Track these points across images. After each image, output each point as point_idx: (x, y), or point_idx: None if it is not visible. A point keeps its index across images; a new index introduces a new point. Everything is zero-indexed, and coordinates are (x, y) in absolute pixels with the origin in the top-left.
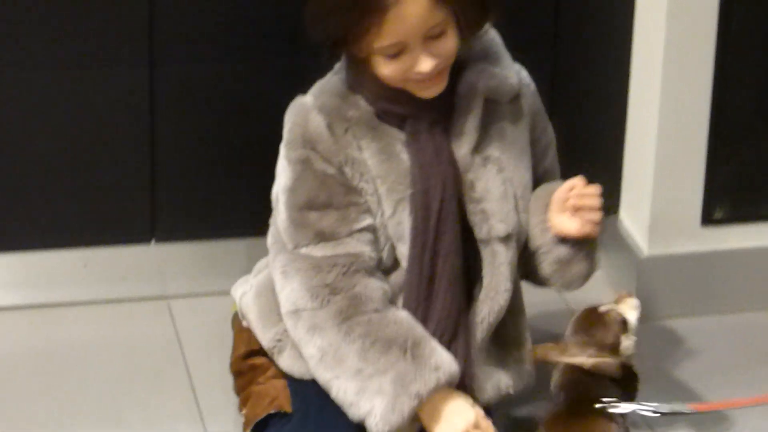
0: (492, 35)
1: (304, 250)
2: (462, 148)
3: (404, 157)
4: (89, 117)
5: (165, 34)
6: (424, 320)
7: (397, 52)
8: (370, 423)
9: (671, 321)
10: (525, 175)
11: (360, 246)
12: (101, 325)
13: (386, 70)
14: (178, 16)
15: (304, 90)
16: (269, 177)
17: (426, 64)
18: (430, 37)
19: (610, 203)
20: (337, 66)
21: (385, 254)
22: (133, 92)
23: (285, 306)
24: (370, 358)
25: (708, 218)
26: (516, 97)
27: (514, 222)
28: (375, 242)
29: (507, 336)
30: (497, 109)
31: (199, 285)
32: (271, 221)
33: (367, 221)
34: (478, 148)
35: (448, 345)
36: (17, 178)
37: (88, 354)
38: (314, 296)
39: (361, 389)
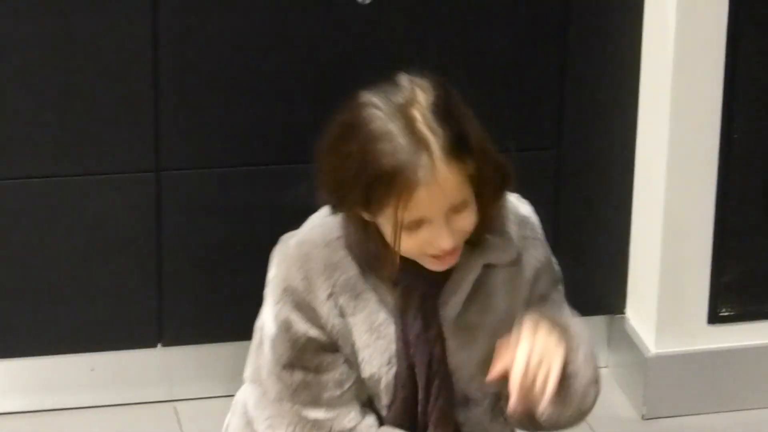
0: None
1: (288, 407)
2: (448, 317)
3: (386, 331)
4: (96, 223)
5: (171, 140)
6: None
7: (418, 224)
8: None
9: (680, 420)
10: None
11: (348, 406)
12: (108, 429)
13: (405, 241)
14: (184, 121)
15: (311, 197)
16: None
17: (447, 242)
18: (453, 212)
19: (617, 303)
20: (326, 210)
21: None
22: (139, 198)
23: None
24: None
25: (714, 316)
26: (516, 262)
27: (486, 389)
28: (359, 392)
29: None
30: (491, 273)
31: (206, 388)
32: (252, 349)
33: (350, 381)
34: (461, 313)
35: None
36: (24, 283)
37: None
38: None
39: None
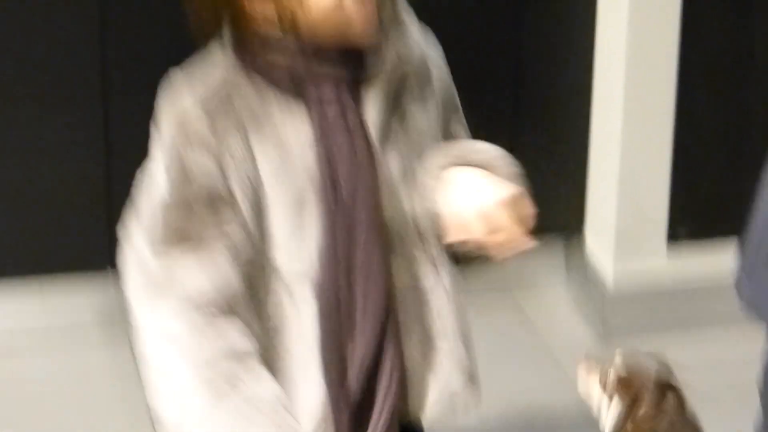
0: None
1: (160, 250)
2: (368, 116)
3: (300, 152)
4: (42, 151)
5: (118, 69)
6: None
7: None
8: None
9: (638, 339)
10: (432, 145)
11: (225, 258)
12: (57, 353)
13: None
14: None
15: None
16: None
17: None
18: None
19: (575, 223)
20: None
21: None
22: (88, 121)
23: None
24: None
25: (673, 236)
26: (423, 62)
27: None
28: (240, 255)
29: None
30: (401, 75)
31: None
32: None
33: (238, 228)
34: (382, 120)
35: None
36: None
37: (46, 383)
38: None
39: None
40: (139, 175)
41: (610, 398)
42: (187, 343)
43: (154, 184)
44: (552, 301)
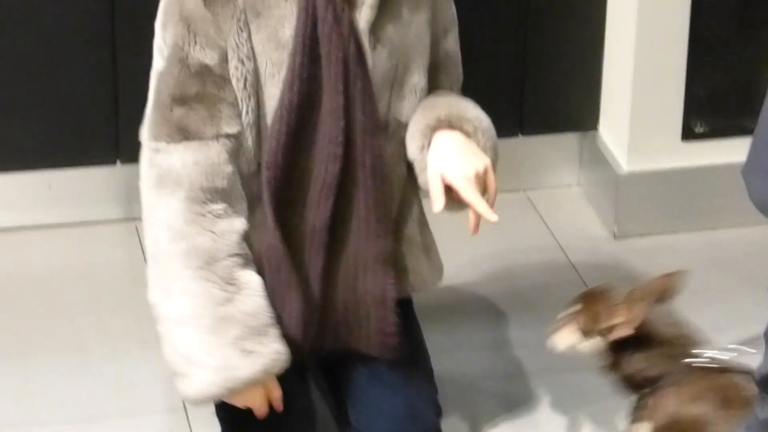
0: None
1: (163, 147)
2: (361, 21)
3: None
4: (50, 34)
5: None
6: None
7: None
8: (183, 387)
9: (651, 238)
10: (419, 60)
11: (223, 156)
12: (67, 248)
13: None
14: None
15: None
16: None
17: None
18: None
19: (589, 119)
20: None
21: (248, 153)
22: (93, 10)
23: (149, 213)
24: (204, 326)
25: (688, 133)
26: None
27: (389, 112)
28: (237, 155)
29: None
30: None
31: None
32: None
33: (235, 128)
34: (373, 24)
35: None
36: None
37: (54, 277)
38: (165, 232)
39: (186, 355)
40: (145, 71)
41: (587, 335)
42: (175, 236)
43: (160, 81)
44: (566, 199)
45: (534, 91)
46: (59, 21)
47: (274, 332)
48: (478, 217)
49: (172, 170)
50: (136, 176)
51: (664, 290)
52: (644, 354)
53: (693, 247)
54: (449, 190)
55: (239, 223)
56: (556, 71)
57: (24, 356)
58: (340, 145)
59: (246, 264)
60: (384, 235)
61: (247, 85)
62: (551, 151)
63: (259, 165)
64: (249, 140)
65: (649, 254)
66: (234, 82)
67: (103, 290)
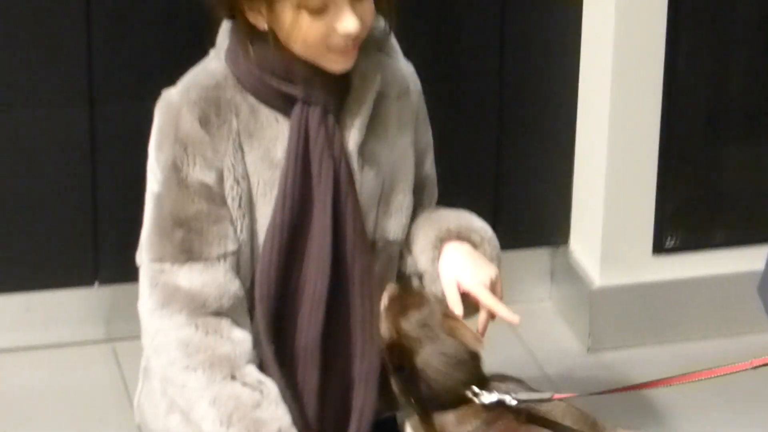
0: (386, 28)
1: (168, 268)
2: (350, 143)
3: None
4: (29, 158)
5: (104, 73)
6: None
7: (322, 7)
8: None
9: (625, 352)
10: (404, 180)
11: (229, 275)
12: (45, 370)
13: (308, 29)
14: (116, 54)
15: None
16: None
17: (351, 23)
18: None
19: (560, 234)
20: (210, 55)
21: (243, 270)
22: (73, 132)
23: (148, 337)
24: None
25: (660, 247)
26: (405, 93)
27: (376, 230)
28: (238, 270)
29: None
30: (384, 103)
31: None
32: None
33: (236, 245)
34: (361, 145)
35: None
36: None
37: (32, 400)
38: (182, 349)
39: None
40: (124, 193)
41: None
42: (195, 350)
43: (158, 203)
44: (539, 314)
45: (506, 207)
46: (38, 144)
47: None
48: (488, 320)
49: (179, 290)
50: (115, 297)
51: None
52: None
53: (666, 359)
54: (464, 298)
55: (249, 333)
56: (528, 187)
57: None
58: (329, 262)
59: (260, 369)
60: (369, 354)
61: (242, 204)
62: (523, 266)
63: (252, 282)
64: (244, 258)
65: (623, 367)
66: (229, 201)
67: (82, 412)
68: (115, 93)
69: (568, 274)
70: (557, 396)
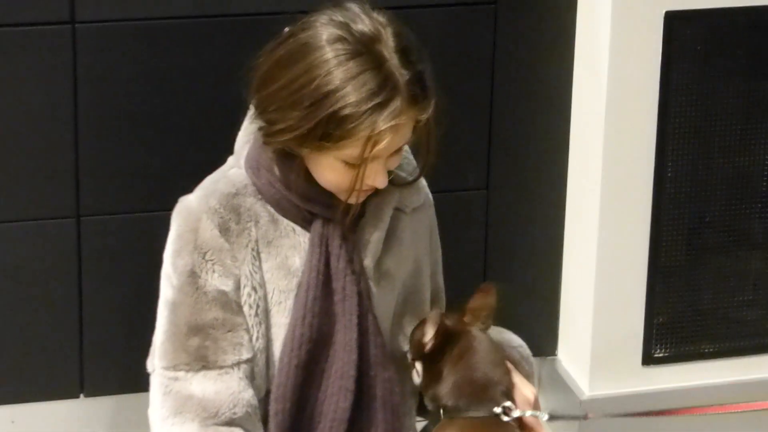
0: (418, 170)
1: (182, 375)
2: (367, 259)
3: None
4: (15, 271)
5: (91, 186)
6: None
7: (359, 163)
8: None
9: None
10: (421, 290)
11: (243, 383)
12: None
13: (341, 175)
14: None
15: None
16: None
17: (382, 181)
18: (395, 153)
19: (548, 344)
20: (229, 162)
21: (259, 378)
22: (59, 244)
23: None
24: None
25: (649, 358)
26: (420, 207)
27: (392, 344)
28: (252, 378)
29: None
30: (400, 218)
31: None
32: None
33: (251, 353)
34: (380, 258)
35: None
36: None
37: None
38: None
39: None
40: (108, 308)
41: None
42: None
43: (173, 310)
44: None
45: (494, 319)
46: (25, 256)
47: None
48: None
49: (193, 398)
50: (99, 409)
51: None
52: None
53: None
54: None
55: None
56: (516, 299)
57: None
58: (353, 379)
59: None
60: None
61: (258, 312)
62: None
63: (267, 392)
64: (259, 366)
65: None
66: (246, 308)
67: None
68: (101, 206)
69: (556, 384)
70: (591, 415)
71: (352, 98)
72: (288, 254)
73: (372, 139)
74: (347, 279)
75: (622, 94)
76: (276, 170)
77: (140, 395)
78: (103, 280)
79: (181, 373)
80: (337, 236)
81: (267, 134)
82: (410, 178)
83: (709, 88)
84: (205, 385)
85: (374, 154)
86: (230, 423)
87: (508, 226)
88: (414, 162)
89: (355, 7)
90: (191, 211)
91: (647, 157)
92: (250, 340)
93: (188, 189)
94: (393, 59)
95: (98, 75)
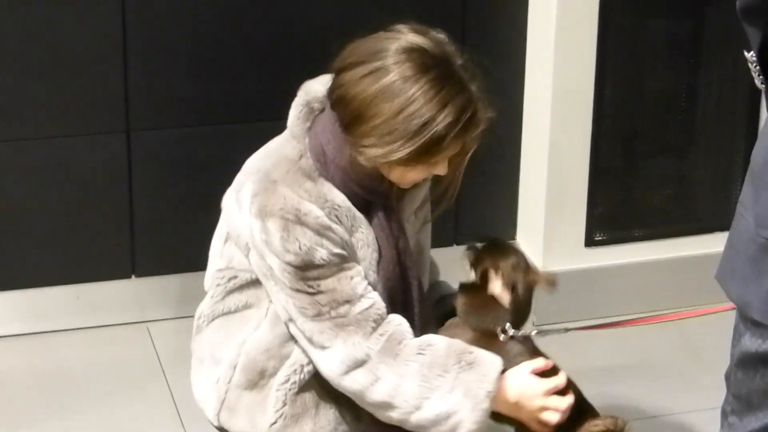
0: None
1: (330, 316)
2: (408, 231)
3: (374, 245)
4: (77, 177)
5: (139, 103)
6: None
7: (438, 162)
8: None
9: (562, 323)
10: (425, 235)
11: (375, 294)
12: (91, 348)
13: (414, 176)
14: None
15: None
16: None
17: (444, 170)
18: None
19: (509, 230)
20: (292, 149)
21: None
22: (111, 157)
23: (334, 371)
24: (435, 383)
25: (590, 241)
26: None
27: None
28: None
29: None
30: (422, 206)
31: (172, 311)
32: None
33: (368, 282)
34: (411, 229)
35: None
36: (22, 229)
37: (82, 371)
38: (359, 351)
39: (438, 413)
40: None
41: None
42: (382, 353)
43: (301, 283)
44: None
45: (465, 210)
46: (82, 163)
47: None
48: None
49: (348, 315)
50: (148, 287)
51: (541, 283)
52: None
53: (598, 336)
54: None
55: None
56: (482, 193)
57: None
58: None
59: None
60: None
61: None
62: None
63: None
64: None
65: (564, 340)
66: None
67: (121, 380)
68: (149, 120)
69: None
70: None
71: (448, 120)
72: (364, 227)
73: (465, 145)
74: (408, 250)
75: (569, 33)
76: (348, 169)
77: (182, 275)
78: (150, 184)
79: (326, 316)
80: (393, 219)
81: (359, 152)
82: None
83: (640, 24)
84: (348, 312)
85: (460, 154)
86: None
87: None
88: None
89: (420, 28)
90: (288, 200)
91: (589, 81)
92: (365, 275)
93: (229, 108)
94: (465, 76)
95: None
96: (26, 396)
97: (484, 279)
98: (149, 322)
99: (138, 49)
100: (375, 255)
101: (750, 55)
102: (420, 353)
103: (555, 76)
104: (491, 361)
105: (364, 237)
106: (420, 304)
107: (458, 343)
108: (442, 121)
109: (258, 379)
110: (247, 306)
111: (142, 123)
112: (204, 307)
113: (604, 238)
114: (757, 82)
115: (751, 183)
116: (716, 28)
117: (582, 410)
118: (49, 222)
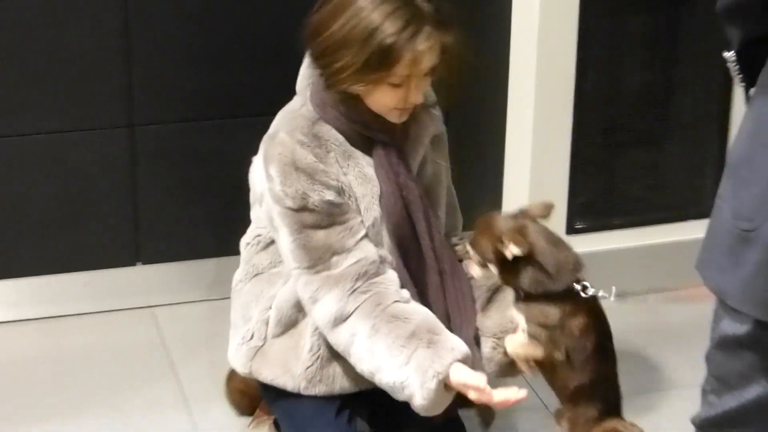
0: (436, 102)
1: (319, 268)
2: (414, 169)
3: (374, 181)
4: (81, 170)
5: (142, 97)
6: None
7: (400, 84)
8: (413, 405)
9: None
10: (437, 190)
11: (367, 249)
12: (100, 331)
13: (386, 99)
14: (155, 79)
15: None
16: (231, 209)
17: (419, 97)
18: (426, 74)
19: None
20: (297, 102)
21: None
22: (117, 151)
23: (322, 324)
24: (394, 353)
25: (571, 228)
26: (440, 135)
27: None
28: (371, 240)
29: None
30: (431, 143)
31: (176, 296)
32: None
33: (363, 230)
34: (417, 169)
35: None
36: (31, 218)
37: (90, 354)
38: (341, 307)
39: (394, 382)
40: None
41: (483, 265)
42: (360, 313)
43: (293, 223)
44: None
45: None
46: (86, 157)
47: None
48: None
49: (337, 276)
50: (153, 274)
51: (540, 214)
52: (531, 273)
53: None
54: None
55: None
56: (468, 182)
57: (68, 420)
58: (433, 251)
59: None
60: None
61: (355, 209)
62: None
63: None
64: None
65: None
66: (349, 201)
67: (128, 363)
68: (152, 116)
69: None
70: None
71: (392, 30)
72: (361, 165)
73: (416, 59)
74: (410, 185)
75: (551, 29)
76: (341, 107)
77: (187, 262)
78: (154, 175)
79: (318, 268)
80: (394, 157)
81: (328, 76)
82: (435, 107)
83: (619, 21)
84: (339, 264)
85: (415, 73)
86: (368, 276)
87: (464, 144)
88: (435, 96)
89: None
90: (285, 146)
91: (570, 75)
92: (362, 221)
93: (231, 102)
94: (422, 2)
95: None
96: (35, 378)
97: (499, 257)
98: (154, 307)
99: (141, 44)
100: (376, 190)
101: (730, 55)
102: (391, 322)
103: (538, 71)
104: (452, 347)
105: (363, 173)
106: (430, 237)
107: (433, 322)
108: (389, 27)
109: (290, 328)
110: (272, 265)
111: (146, 117)
112: (236, 274)
113: (585, 226)
114: (737, 80)
115: (728, 177)
116: (692, 25)
117: (609, 409)
118: (58, 212)
